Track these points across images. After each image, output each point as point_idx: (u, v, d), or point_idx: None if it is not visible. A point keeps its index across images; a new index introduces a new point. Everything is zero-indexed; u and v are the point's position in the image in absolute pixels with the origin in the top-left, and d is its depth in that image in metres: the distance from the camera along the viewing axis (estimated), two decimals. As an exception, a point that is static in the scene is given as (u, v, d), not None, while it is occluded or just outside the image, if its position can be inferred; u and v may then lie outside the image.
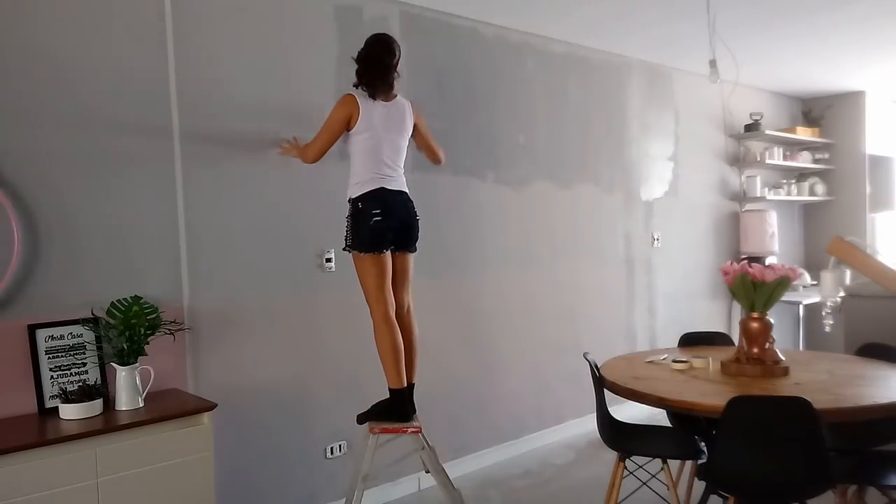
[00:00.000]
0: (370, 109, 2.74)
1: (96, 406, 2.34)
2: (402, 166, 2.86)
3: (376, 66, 2.77)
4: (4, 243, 2.38)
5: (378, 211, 2.71)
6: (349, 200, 2.79)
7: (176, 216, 2.81)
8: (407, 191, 2.85)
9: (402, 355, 2.78)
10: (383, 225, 2.72)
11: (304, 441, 3.21)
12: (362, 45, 2.84)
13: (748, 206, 5.87)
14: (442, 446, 3.32)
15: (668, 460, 2.79)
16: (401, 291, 2.89)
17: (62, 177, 2.52)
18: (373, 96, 2.76)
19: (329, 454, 3.29)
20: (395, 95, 2.85)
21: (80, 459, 2.15)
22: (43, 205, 2.48)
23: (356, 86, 2.78)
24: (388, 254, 2.79)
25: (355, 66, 2.80)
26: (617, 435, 2.90)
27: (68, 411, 2.30)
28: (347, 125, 2.76)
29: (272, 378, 3.10)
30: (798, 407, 2.15)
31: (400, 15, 3.54)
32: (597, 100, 4.63)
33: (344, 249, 2.81)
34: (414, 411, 2.88)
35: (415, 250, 2.91)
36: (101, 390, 2.43)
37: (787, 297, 4.25)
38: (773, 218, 5.75)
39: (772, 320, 2.76)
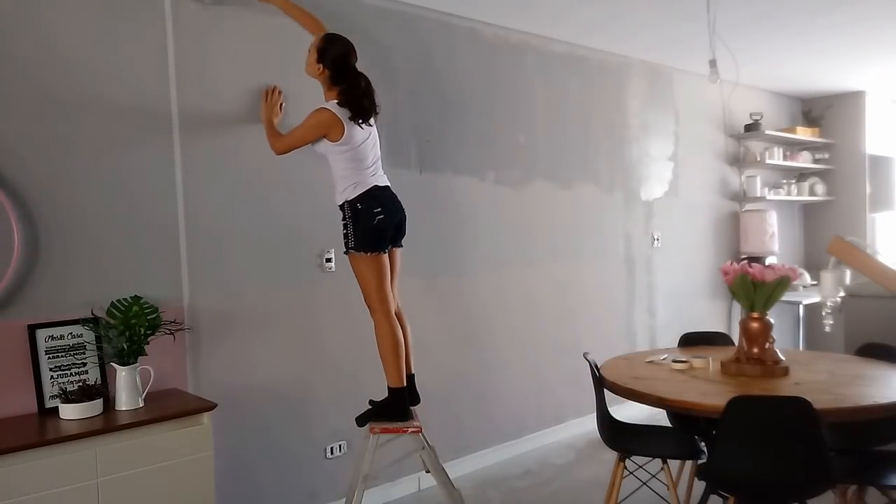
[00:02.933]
0: (352, 126, 2.68)
1: (96, 406, 2.34)
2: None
3: (367, 94, 2.72)
4: (4, 243, 2.38)
5: (379, 209, 2.72)
6: (345, 204, 2.73)
7: (176, 216, 2.81)
8: (390, 184, 2.85)
9: (403, 354, 2.80)
10: (386, 222, 2.73)
11: (304, 441, 3.21)
12: (326, 52, 2.71)
13: (748, 206, 5.87)
14: (442, 446, 3.32)
15: (668, 460, 2.79)
16: (393, 287, 2.90)
17: (62, 177, 2.52)
18: (362, 124, 2.70)
19: (329, 454, 3.29)
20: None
21: (80, 459, 2.15)
22: (42, 204, 2.48)
23: (351, 119, 2.68)
24: (387, 253, 2.80)
25: (321, 76, 2.74)
26: (617, 435, 2.90)
27: (68, 411, 2.30)
28: (327, 137, 2.69)
29: (272, 378, 3.10)
30: (798, 407, 2.15)
31: (399, 14, 3.54)
32: (597, 100, 4.63)
33: (345, 252, 2.78)
34: (417, 399, 2.92)
35: (401, 245, 2.93)
36: (101, 390, 2.42)
37: (787, 297, 4.25)
38: (773, 218, 5.75)
39: (772, 320, 2.76)
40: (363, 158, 2.74)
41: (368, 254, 2.73)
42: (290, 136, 2.80)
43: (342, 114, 2.67)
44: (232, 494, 2.93)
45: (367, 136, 2.77)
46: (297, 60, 2.85)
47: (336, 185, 2.77)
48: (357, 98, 2.70)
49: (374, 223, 2.71)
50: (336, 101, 2.69)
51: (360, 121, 2.70)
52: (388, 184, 2.83)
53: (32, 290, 2.45)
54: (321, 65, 2.72)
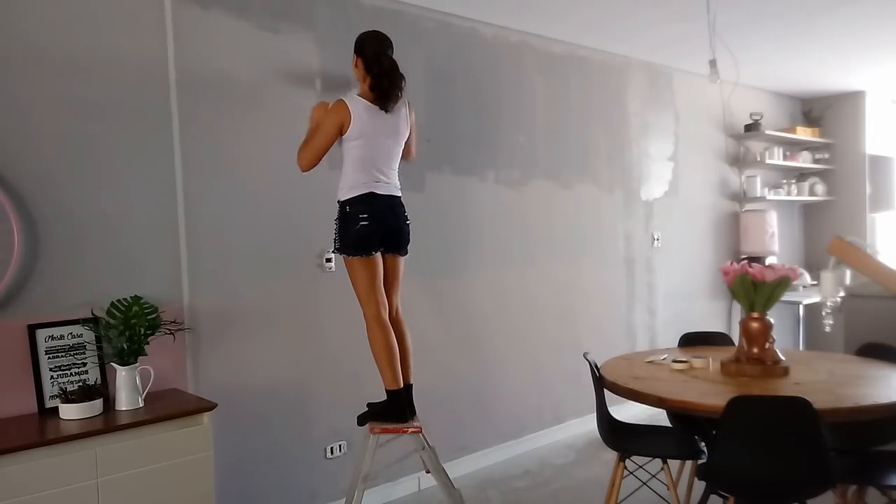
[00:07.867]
0: (362, 116, 2.67)
1: (96, 406, 2.34)
2: (396, 170, 2.83)
3: (388, 75, 2.70)
4: (4, 243, 2.38)
5: (365, 216, 2.69)
6: (338, 202, 2.76)
7: (176, 216, 2.81)
8: (399, 195, 2.82)
9: (396, 356, 2.78)
10: (370, 230, 2.70)
11: (304, 441, 3.21)
12: (360, 46, 2.76)
13: (748, 206, 5.87)
14: (442, 446, 3.32)
15: (668, 460, 2.79)
16: (391, 294, 2.87)
17: (62, 177, 2.52)
18: (385, 109, 2.70)
19: (329, 454, 3.29)
20: None
21: (80, 459, 2.15)
22: (42, 204, 2.48)
23: (374, 102, 2.70)
24: (378, 255, 2.78)
25: (357, 70, 2.77)
26: (617, 435, 2.90)
27: (68, 411, 2.30)
28: (339, 131, 2.70)
29: (272, 378, 3.10)
30: (798, 407, 2.15)
31: (399, 15, 3.54)
32: (597, 100, 4.63)
33: (333, 252, 2.81)
34: (413, 412, 2.88)
35: (406, 253, 2.90)
36: (101, 390, 2.43)
37: (787, 297, 4.25)
38: (773, 218, 5.75)
39: (772, 320, 2.76)
40: (372, 160, 2.72)
41: (352, 256, 2.73)
42: (309, 145, 2.71)
43: (354, 103, 2.68)
44: (232, 494, 2.93)
45: (387, 131, 2.74)
46: (300, 58, 2.85)
47: (340, 181, 2.78)
48: (377, 77, 2.69)
49: (357, 228, 2.69)
50: (359, 92, 2.73)
51: (382, 104, 2.69)
52: (394, 193, 2.79)
53: (32, 290, 2.45)
54: (357, 56, 2.76)
